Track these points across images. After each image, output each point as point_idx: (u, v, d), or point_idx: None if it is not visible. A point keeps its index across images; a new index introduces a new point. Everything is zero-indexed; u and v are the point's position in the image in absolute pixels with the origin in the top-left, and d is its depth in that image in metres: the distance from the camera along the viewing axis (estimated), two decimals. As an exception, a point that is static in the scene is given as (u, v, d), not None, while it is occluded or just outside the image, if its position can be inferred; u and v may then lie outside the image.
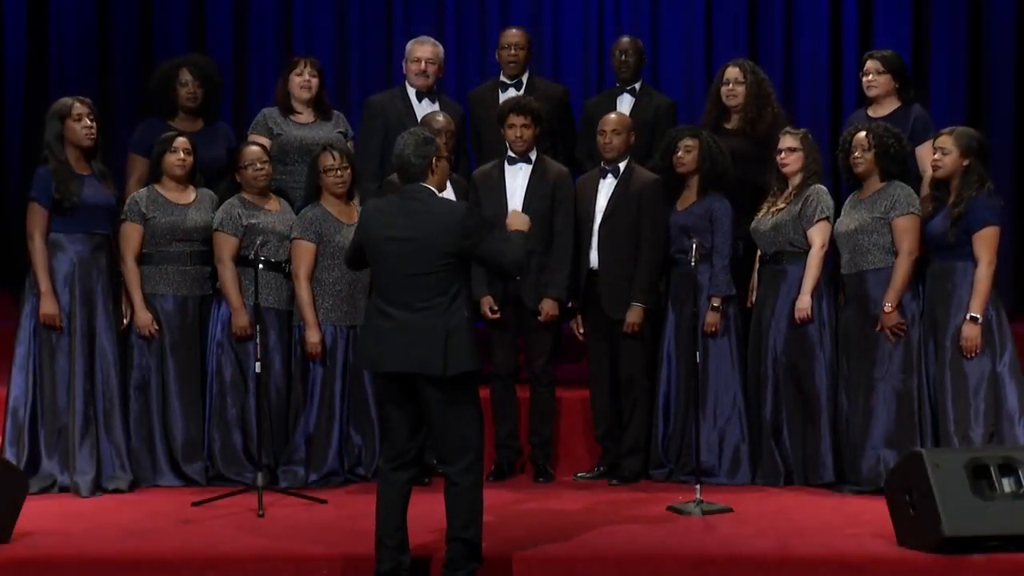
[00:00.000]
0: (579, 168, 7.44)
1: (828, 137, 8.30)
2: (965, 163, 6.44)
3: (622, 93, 7.71)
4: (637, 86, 7.72)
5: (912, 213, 6.48)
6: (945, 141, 6.47)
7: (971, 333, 6.34)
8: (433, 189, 5.28)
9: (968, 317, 6.34)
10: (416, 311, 5.14)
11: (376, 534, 5.22)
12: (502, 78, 7.70)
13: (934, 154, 6.50)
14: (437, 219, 5.18)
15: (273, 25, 9.63)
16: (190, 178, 6.78)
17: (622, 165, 6.89)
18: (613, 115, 6.98)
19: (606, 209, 6.85)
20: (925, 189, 6.71)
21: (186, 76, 7.07)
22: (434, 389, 5.14)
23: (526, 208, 6.79)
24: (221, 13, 9.62)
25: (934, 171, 6.52)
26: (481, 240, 5.23)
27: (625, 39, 7.83)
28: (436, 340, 5.11)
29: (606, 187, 6.89)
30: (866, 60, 7.19)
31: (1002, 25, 9.34)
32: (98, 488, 6.47)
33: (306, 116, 7.23)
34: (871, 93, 7.11)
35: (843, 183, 6.94)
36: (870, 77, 7.10)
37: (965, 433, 6.36)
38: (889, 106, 7.09)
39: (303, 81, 7.19)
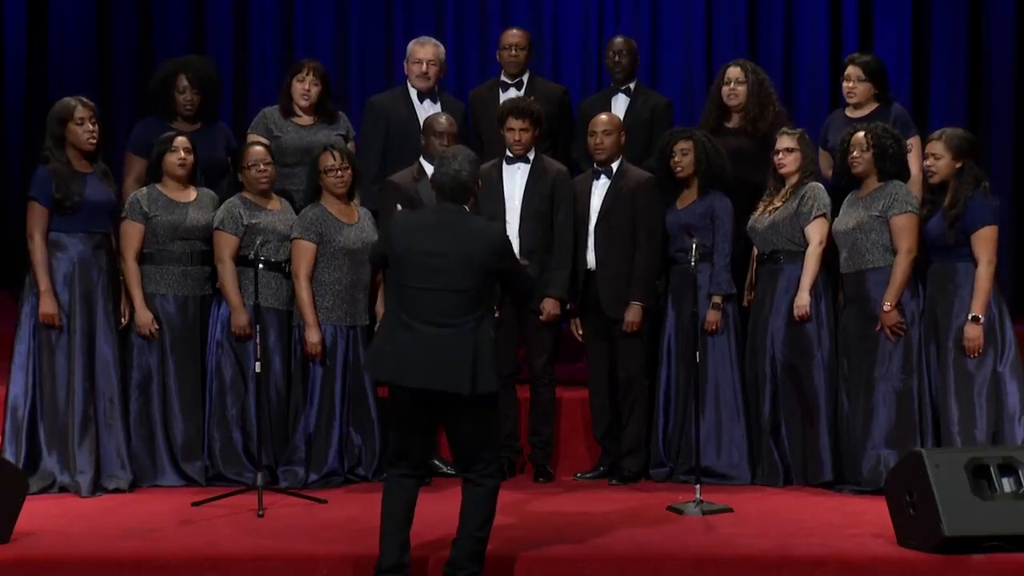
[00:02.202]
0: (577, 168, 7.44)
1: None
2: (958, 165, 6.44)
3: (616, 93, 7.71)
4: (632, 86, 7.72)
5: (910, 211, 6.48)
6: (936, 147, 6.46)
7: (974, 333, 6.34)
8: (467, 208, 5.27)
9: (970, 317, 6.34)
10: (443, 327, 5.11)
11: (380, 532, 5.21)
12: (503, 78, 7.71)
13: (925, 160, 6.51)
14: (476, 237, 5.17)
15: (273, 25, 9.63)
16: (191, 178, 6.78)
17: (615, 165, 6.89)
18: (603, 116, 6.98)
19: (601, 209, 6.86)
20: (912, 186, 6.71)
21: (183, 82, 7.04)
22: (458, 406, 5.13)
23: (525, 207, 6.79)
24: (221, 13, 9.61)
25: (928, 178, 6.52)
26: (514, 260, 5.28)
27: (618, 39, 7.83)
28: (464, 359, 5.09)
29: (600, 187, 6.90)
30: (847, 65, 7.19)
31: (1002, 25, 9.34)
32: (98, 488, 6.47)
33: (306, 119, 7.23)
34: (851, 100, 7.12)
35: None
36: (851, 83, 7.10)
37: (970, 433, 6.36)
38: (868, 108, 7.10)
39: (303, 89, 7.17)
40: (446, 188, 5.23)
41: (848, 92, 7.12)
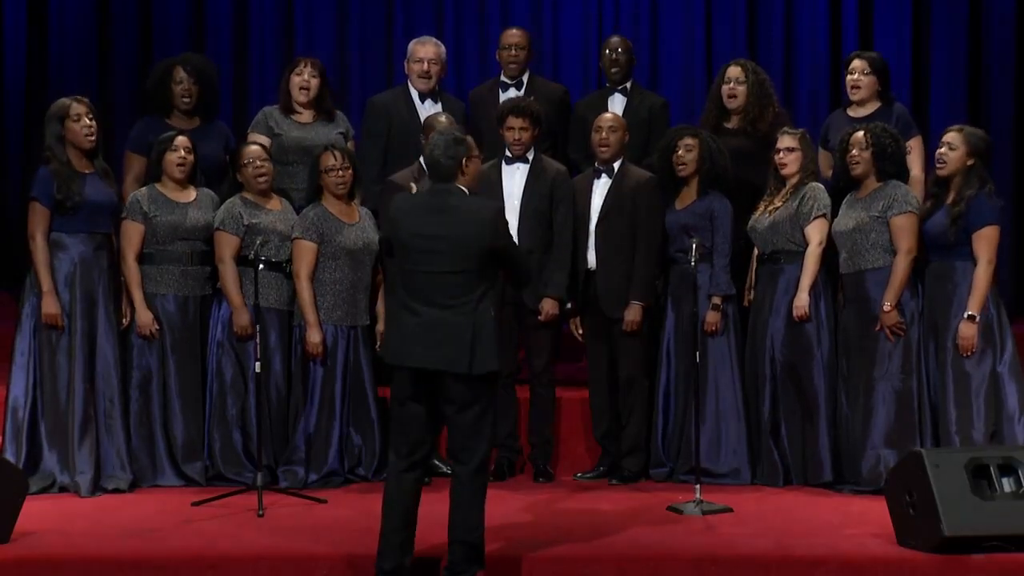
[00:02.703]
0: (576, 168, 7.44)
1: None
2: (969, 163, 6.44)
3: (613, 93, 7.70)
4: (628, 85, 7.71)
5: (910, 211, 6.48)
6: (953, 137, 6.45)
7: (968, 332, 6.34)
8: (464, 189, 5.29)
9: (965, 316, 6.34)
10: (444, 308, 5.16)
11: (380, 531, 5.22)
12: (502, 78, 7.71)
13: (939, 148, 6.49)
14: (469, 218, 5.19)
15: (273, 25, 9.63)
16: (190, 178, 6.78)
17: (616, 165, 6.89)
18: (608, 114, 7.01)
19: (601, 209, 6.86)
20: (913, 186, 6.71)
21: (181, 74, 7.06)
22: (457, 387, 5.15)
23: (524, 207, 6.79)
24: (221, 13, 9.62)
25: (937, 168, 6.50)
26: (511, 241, 5.28)
27: (615, 39, 7.83)
28: (463, 338, 5.12)
29: (600, 187, 6.90)
30: (852, 59, 7.19)
31: (1002, 25, 9.35)
32: (98, 488, 6.47)
33: (307, 117, 7.23)
34: (856, 96, 7.12)
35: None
36: (856, 76, 7.09)
37: (968, 433, 6.36)
38: (870, 107, 7.10)
39: (302, 82, 7.19)
40: (431, 170, 5.34)
41: (852, 85, 7.11)
